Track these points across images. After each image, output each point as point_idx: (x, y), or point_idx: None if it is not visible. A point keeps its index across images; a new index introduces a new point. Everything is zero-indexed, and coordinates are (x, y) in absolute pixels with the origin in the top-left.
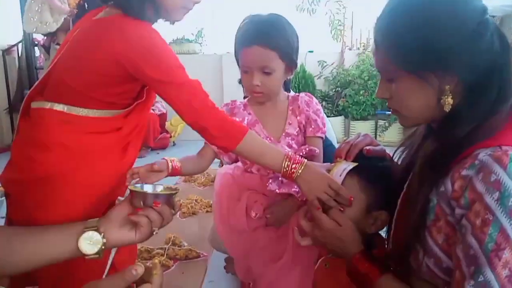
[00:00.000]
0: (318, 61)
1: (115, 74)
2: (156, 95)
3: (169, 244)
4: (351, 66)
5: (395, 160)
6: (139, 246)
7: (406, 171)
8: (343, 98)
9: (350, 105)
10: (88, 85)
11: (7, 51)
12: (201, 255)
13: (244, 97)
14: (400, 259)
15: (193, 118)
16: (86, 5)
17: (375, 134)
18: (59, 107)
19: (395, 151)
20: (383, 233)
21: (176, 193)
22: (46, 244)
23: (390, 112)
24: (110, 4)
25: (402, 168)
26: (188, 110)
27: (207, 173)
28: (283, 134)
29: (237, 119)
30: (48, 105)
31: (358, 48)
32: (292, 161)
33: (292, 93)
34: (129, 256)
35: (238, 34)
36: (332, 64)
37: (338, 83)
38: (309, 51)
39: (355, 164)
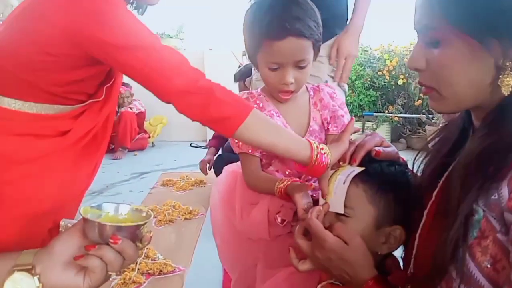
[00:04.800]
0: None
1: (62, 50)
2: (123, 93)
3: (141, 257)
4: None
5: (416, 167)
6: None
7: (433, 176)
8: None
9: None
10: (27, 66)
11: None
12: (177, 269)
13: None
14: (426, 287)
15: (184, 80)
16: None
17: None
18: None
19: (416, 155)
20: (397, 253)
21: (146, 222)
22: None
23: (378, 114)
24: None
25: (429, 173)
26: (173, 74)
27: (186, 176)
28: (308, 131)
29: (264, 112)
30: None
31: None
32: (317, 145)
33: (309, 84)
34: None
35: (255, 23)
36: None
37: None
38: None
39: (362, 168)
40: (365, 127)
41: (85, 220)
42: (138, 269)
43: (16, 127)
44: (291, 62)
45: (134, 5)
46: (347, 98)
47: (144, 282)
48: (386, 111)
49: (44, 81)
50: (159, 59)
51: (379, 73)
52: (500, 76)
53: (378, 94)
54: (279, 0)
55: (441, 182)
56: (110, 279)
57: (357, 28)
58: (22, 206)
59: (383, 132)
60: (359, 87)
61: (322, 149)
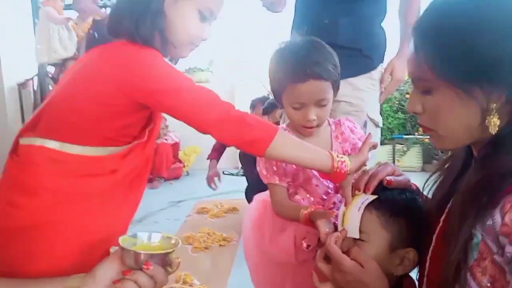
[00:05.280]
0: None
1: (115, 101)
2: (162, 129)
3: (179, 283)
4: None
5: (426, 190)
6: None
7: (441, 202)
8: None
9: None
10: (86, 117)
11: (23, 85)
12: None
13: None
14: None
15: (219, 112)
16: (96, 34)
17: (393, 159)
18: (51, 144)
19: (426, 180)
20: (413, 274)
21: (175, 249)
22: None
23: (408, 136)
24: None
25: (438, 199)
26: (210, 109)
27: (220, 203)
28: None
29: None
30: (39, 141)
31: None
32: (339, 158)
33: (331, 119)
34: None
35: (279, 69)
36: None
37: None
38: None
39: (375, 196)
40: (396, 150)
41: (122, 248)
42: None
43: (77, 169)
44: (312, 102)
45: (168, 58)
46: None
47: None
48: (417, 133)
49: (100, 127)
50: (197, 98)
51: (407, 95)
52: (487, 118)
53: (407, 117)
54: (299, 47)
55: (447, 208)
56: None
57: (407, 52)
58: (80, 237)
59: (414, 154)
60: (387, 111)
61: (342, 157)
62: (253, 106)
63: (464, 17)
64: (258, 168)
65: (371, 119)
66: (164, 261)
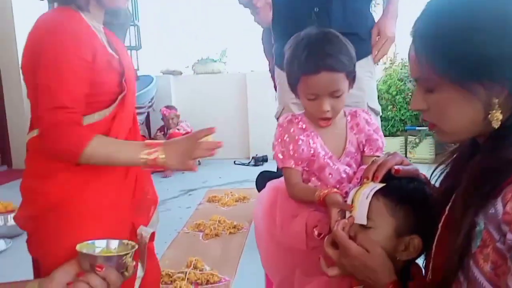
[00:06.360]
0: None
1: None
2: (167, 115)
3: (191, 268)
4: (378, 81)
5: (434, 180)
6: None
7: (447, 192)
8: None
9: None
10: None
11: None
12: (223, 280)
13: (277, 118)
14: None
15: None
16: None
17: (405, 151)
18: None
19: (434, 170)
20: (420, 262)
21: (131, 253)
22: None
23: (420, 128)
24: None
25: (443, 189)
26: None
27: (231, 193)
28: (344, 152)
29: (306, 133)
30: (36, 132)
31: (385, 63)
32: (150, 147)
33: (347, 109)
34: (154, 279)
35: (294, 60)
36: None
37: None
38: None
39: (383, 185)
40: (408, 142)
41: (79, 253)
42: (187, 278)
43: None
44: (326, 93)
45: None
46: (388, 113)
47: None
48: None
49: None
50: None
51: None
52: (490, 112)
53: None
54: (314, 39)
55: (452, 198)
56: None
57: (394, 13)
58: (105, 211)
59: (427, 146)
60: (400, 102)
61: (156, 150)
62: None
63: (461, 17)
64: (273, 153)
65: (372, 109)
66: (119, 264)
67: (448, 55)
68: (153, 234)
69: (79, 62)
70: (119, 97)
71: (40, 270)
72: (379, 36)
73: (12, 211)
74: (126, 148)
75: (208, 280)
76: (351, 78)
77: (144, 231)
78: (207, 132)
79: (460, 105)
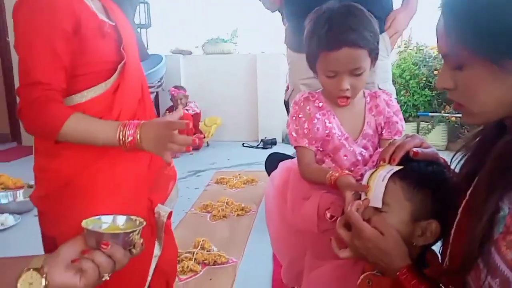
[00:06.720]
0: None
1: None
2: (175, 95)
3: (198, 248)
4: (391, 65)
5: (453, 165)
6: None
7: (469, 176)
8: None
9: None
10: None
11: None
12: (230, 261)
13: (286, 101)
14: (456, 277)
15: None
16: None
17: None
18: None
19: (454, 154)
20: (436, 248)
21: (138, 230)
22: None
23: (433, 114)
24: None
25: (464, 173)
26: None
27: (239, 175)
28: (361, 134)
29: (322, 112)
30: None
31: (399, 46)
32: (127, 127)
33: (367, 90)
34: (171, 257)
35: (314, 35)
36: None
37: None
38: None
39: (400, 167)
40: (420, 128)
41: (84, 229)
42: (195, 259)
43: None
44: (347, 70)
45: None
46: (401, 98)
47: (200, 271)
48: (443, 111)
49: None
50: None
51: (435, 72)
52: None
53: (434, 94)
54: (335, 13)
55: (474, 182)
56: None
57: (413, 9)
58: (116, 187)
59: (440, 132)
60: (414, 87)
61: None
62: None
63: None
64: (287, 131)
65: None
66: (126, 241)
67: (482, 28)
68: (170, 213)
69: (55, 32)
70: (119, 67)
71: (51, 247)
72: (389, 26)
73: (21, 187)
74: (103, 127)
75: (215, 261)
76: (374, 56)
77: (162, 210)
78: (180, 126)
79: (490, 83)
